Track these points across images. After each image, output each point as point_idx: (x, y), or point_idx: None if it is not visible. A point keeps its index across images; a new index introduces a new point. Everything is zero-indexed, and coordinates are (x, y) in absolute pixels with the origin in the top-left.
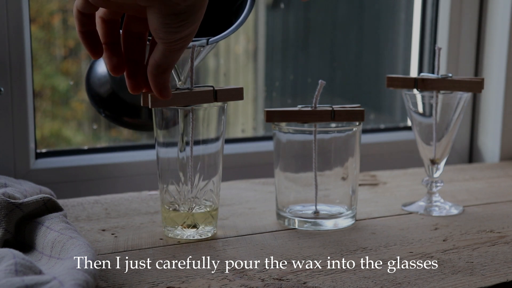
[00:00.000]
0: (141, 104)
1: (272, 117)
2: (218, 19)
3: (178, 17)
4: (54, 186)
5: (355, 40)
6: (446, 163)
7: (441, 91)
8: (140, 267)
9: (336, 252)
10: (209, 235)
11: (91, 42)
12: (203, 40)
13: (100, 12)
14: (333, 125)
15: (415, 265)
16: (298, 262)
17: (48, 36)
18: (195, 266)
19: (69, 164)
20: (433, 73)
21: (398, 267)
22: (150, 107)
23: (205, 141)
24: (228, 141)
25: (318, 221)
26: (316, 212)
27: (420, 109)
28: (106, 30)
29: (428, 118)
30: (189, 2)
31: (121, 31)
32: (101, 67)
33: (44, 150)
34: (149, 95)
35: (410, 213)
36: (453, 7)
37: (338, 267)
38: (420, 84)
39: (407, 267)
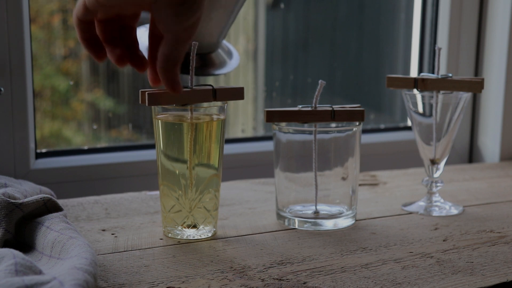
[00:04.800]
0: (139, 102)
1: (272, 117)
2: None
3: (183, 5)
4: (54, 186)
5: (355, 40)
6: (446, 163)
7: (441, 91)
8: (140, 267)
9: (336, 252)
10: (209, 235)
11: (94, 47)
12: None
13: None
14: (333, 125)
15: (415, 265)
16: (298, 262)
17: (48, 36)
18: (195, 266)
19: (69, 164)
20: (433, 73)
21: (398, 267)
22: (147, 105)
23: None
24: (228, 141)
25: (318, 221)
26: (316, 212)
27: (420, 109)
28: (104, 29)
29: (428, 118)
30: None
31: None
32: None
33: (44, 150)
34: (146, 93)
35: (410, 213)
36: (453, 7)
37: (338, 267)
38: (420, 84)
39: (407, 267)
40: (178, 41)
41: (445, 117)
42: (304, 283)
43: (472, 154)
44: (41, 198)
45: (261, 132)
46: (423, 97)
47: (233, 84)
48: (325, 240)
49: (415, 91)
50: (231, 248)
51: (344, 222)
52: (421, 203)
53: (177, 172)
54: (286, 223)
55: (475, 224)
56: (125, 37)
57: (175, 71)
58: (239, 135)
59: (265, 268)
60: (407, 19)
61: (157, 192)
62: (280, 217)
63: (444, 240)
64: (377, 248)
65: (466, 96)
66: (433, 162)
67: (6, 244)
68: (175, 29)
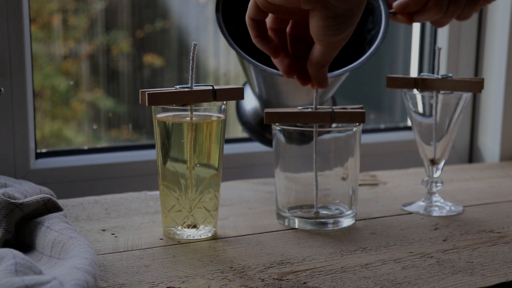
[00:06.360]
0: (139, 102)
1: (271, 119)
2: (352, 49)
3: (336, 19)
4: (54, 186)
5: None
6: (446, 163)
7: (441, 91)
8: (140, 267)
9: (336, 252)
10: (209, 235)
11: (267, 44)
12: (346, 69)
13: (269, 24)
14: (333, 125)
15: (415, 265)
16: (298, 262)
17: (48, 36)
18: (195, 266)
19: (69, 164)
20: (433, 73)
21: (398, 267)
22: (147, 105)
23: None
24: (228, 141)
25: (318, 221)
26: (316, 212)
27: (420, 109)
28: (278, 37)
29: (428, 118)
30: (347, 6)
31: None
32: (249, 105)
33: (44, 150)
34: (146, 93)
35: (410, 213)
36: None
37: (338, 267)
38: (420, 84)
39: (407, 267)
40: (328, 50)
41: (445, 117)
42: (304, 283)
43: (472, 154)
44: (41, 198)
45: None
46: (423, 97)
47: (233, 84)
48: (325, 240)
49: (415, 91)
50: (231, 248)
51: (344, 222)
52: (421, 203)
53: (177, 172)
54: (286, 223)
55: (475, 224)
56: (298, 48)
57: (324, 71)
58: (239, 135)
59: (265, 268)
60: None
61: (157, 192)
62: (280, 217)
63: (444, 240)
64: (377, 248)
65: (466, 96)
66: (433, 162)
67: (6, 244)
68: (326, 41)
